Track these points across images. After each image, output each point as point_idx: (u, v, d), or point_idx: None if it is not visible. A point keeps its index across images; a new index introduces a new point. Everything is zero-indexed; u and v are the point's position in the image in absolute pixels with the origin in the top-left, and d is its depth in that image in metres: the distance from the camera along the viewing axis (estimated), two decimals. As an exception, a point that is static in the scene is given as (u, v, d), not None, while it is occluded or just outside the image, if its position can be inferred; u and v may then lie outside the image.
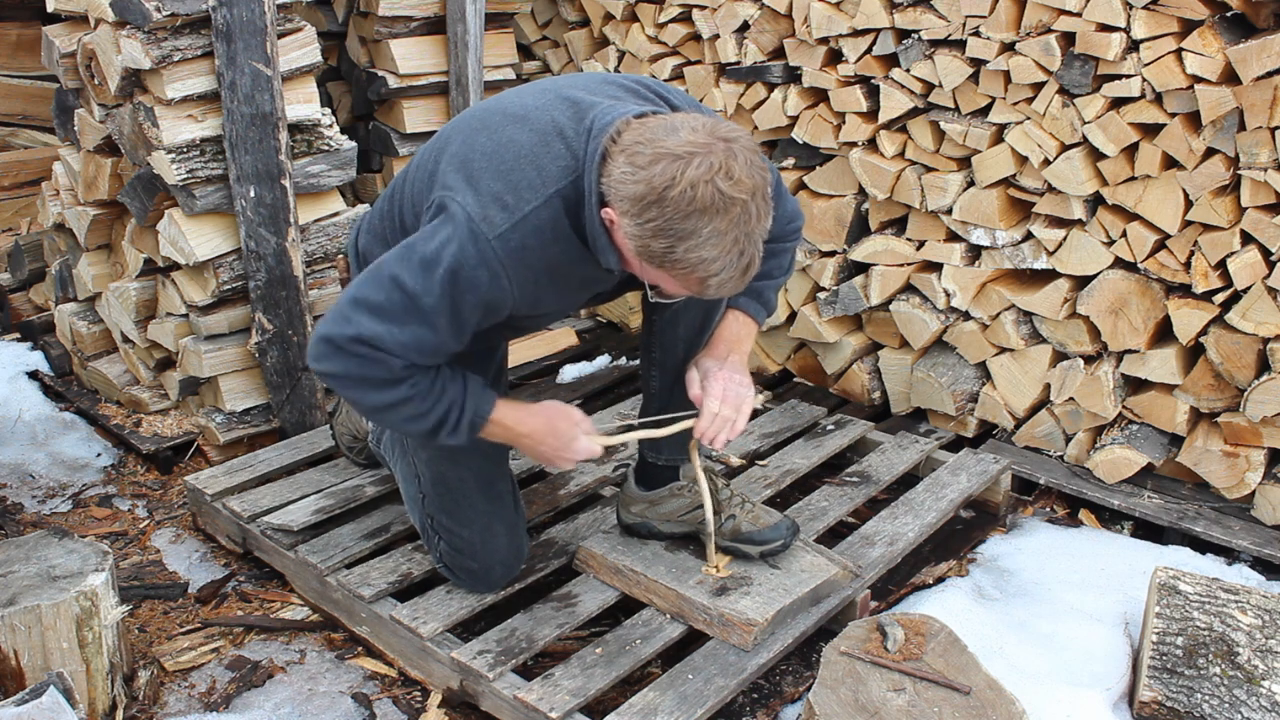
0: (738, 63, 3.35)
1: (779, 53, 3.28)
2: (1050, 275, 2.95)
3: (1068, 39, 2.73)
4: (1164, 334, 2.85)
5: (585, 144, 1.87)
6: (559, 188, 1.88)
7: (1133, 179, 2.74)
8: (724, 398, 2.13)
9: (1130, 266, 2.82)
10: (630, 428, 2.27)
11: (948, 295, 3.10)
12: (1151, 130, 2.69)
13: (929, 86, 2.99)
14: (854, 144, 3.16)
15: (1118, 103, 2.71)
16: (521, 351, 3.64)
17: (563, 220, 1.90)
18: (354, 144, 3.15)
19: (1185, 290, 2.77)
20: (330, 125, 3.10)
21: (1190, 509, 2.86)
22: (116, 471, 3.21)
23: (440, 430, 2.01)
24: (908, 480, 2.94)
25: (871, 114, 3.11)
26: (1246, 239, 2.64)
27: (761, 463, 2.97)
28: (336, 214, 3.19)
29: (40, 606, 2.06)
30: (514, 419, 2.09)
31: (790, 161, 3.35)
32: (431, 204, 1.97)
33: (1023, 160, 2.88)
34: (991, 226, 2.98)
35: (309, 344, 1.97)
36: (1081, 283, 2.90)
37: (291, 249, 3.02)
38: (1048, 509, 3.03)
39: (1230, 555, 2.77)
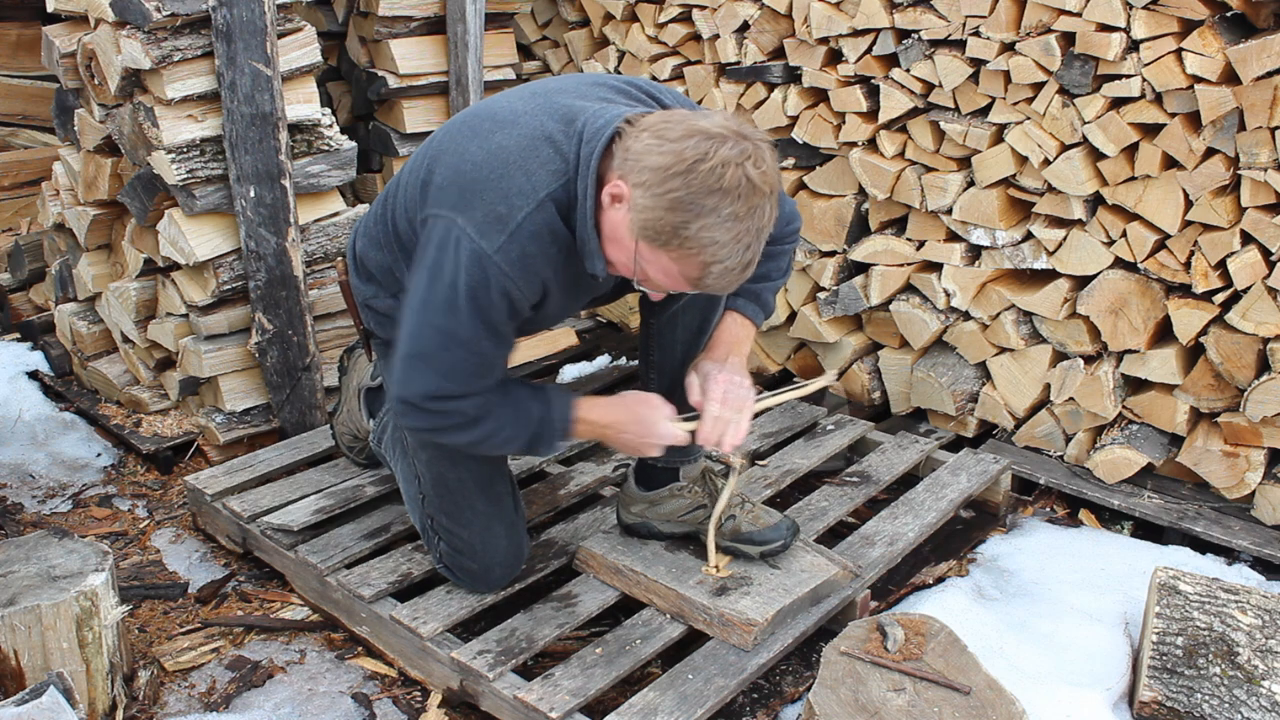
0: (738, 63, 3.35)
1: (779, 53, 3.28)
2: (1050, 275, 2.95)
3: (1068, 39, 2.73)
4: (1164, 334, 2.85)
5: (576, 148, 1.87)
6: (549, 191, 1.88)
7: (1133, 179, 2.74)
8: (724, 400, 2.13)
9: (1130, 266, 2.82)
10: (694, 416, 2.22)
11: (948, 295, 3.10)
12: (1151, 130, 2.69)
13: (929, 86, 2.99)
14: (854, 144, 3.16)
15: (1118, 103, 2.71)
16: (522, 351, 3.64)
17: (557, 222, 1.90)
18: (354, 144, 3.15)
19: (1185, 290, 2.77)
20: (330, 125, 3.10)
21: (1190, 509, 2.86)
22: (116, 471, 3.21)
23: (537, 444, 2.10)
24: (908, 480, 2.94)
25: (871, 114, 3.11)
26: (1246, 239, 2.64)
27: (761, 463, 2.97)
28: (336, 214, 3.19)
29: (40, 606, 2.06)
30: (597, 414, 2.14)
31: (790, 161, 3.35)
32: (427, 220, 1.98)
33: (1023, 160, 2.88)
34: (991, 226, 2.98)
35: (393, 404, 2.07)
36: (1081, 283, 2.90)
37: (291, 249, 3.02)
38: (1048, 509, 3.03)
39: (1230, 555, 2.77)
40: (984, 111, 2.93)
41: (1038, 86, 2.80)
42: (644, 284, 1.94)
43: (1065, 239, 2.88)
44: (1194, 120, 2.63)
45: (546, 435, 2.09)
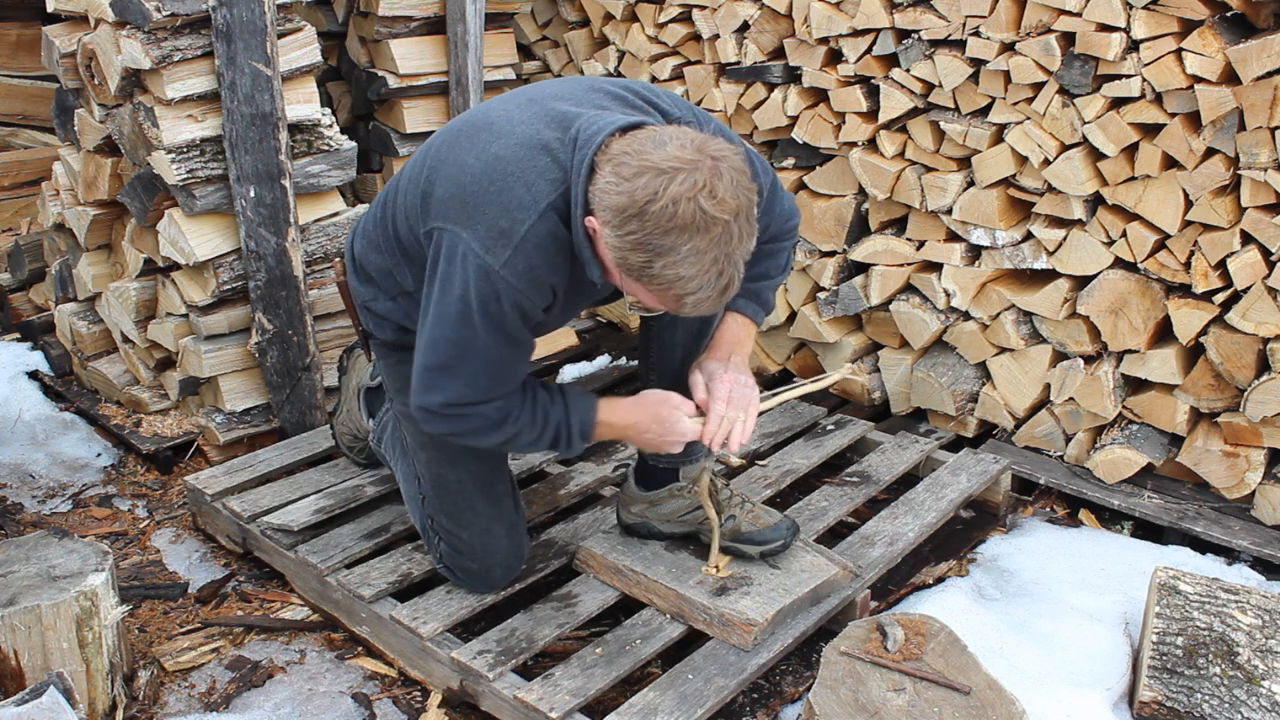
0: (738, 63, 3.35)
1: (779, 53, 3.28)
2: (1050, 275, 2.95)
3: (1068, 39, 2.73)
4: (1164, 334, 2.85)
5: (571, 155, 1.87)
6: (550, 200, 1.89)
7: (1133, 179, 2.74)
8: (730, 400, 2.13)
9: (1130, 266, 2.82)
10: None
11: (948, 295, 3.10)
12: (1151, 130, 2.69)
13: (929, 86, 2.99)
14: (854, 144, 3.16)
15: (1118, 103, 2.71)
16: (521, 351, 3.63)
17: (560, 230, 1.91)
18: (354, 144, 3.15)
19: (1185, 290, 2.77)
20: (330, 125, 3.10)
21: (1190, 509, 2.86)
22: (116, 471, 3.21)
23: (557, 445, 2.12)
24: (908, 480, 2.94)
25: (871, 114, 3.10)
26: (1246, 239, 2.63)
27: (761, 463, 2.97)
28: (336, 214, 3.19)
29: (40, 606, 2.06)
30: (618, 416, 2.17)
31: (790, 161, 3.35)
32: (432, 233, 1.99)
33: (1023, 160, 2.88)
34: (991, 226, 2.98)
35: (415, 412, 2.09)
36: (1081, 283, 2.90)
37: (291, 249, 3.02)
38: (1048, 509, 3.03)
39: (1230, 555, 2.77)
40: (984, 111, 2.93)
41: (1038, 86, 2.80)
42: (637, 306, 1.98)
43: (1065, 239, 2.88)
44: (1194, 120, 2.63)
45: (567, 437, 2.12)
